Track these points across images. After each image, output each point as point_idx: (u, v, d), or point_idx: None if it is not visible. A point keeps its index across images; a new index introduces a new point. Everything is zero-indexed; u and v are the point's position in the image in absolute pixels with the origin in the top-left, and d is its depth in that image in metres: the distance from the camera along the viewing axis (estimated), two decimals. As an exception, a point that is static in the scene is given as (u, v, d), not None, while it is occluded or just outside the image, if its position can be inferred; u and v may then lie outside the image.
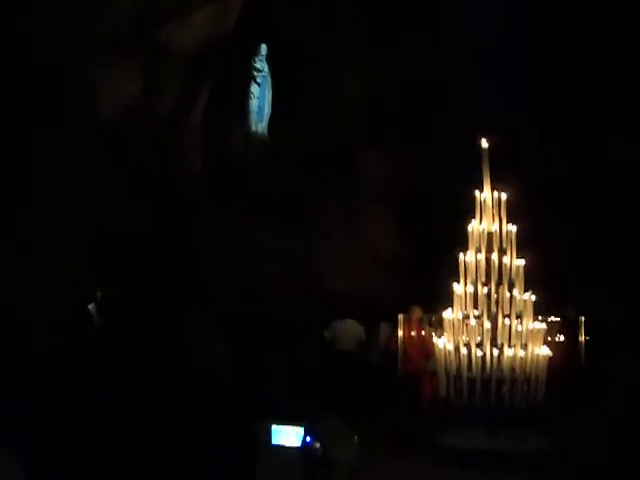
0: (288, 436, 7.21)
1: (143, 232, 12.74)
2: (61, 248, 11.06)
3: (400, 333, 12.49)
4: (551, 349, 10.58)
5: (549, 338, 11.55)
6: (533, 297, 10.39)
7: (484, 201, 10.63)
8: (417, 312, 12.75)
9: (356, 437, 7.12)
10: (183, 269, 13.32)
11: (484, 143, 10.63)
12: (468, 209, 10.85)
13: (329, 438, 6.79)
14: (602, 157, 14.18)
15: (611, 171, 14.07)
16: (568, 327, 12.55)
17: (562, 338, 12.63)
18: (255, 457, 7.40)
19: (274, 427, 7.30)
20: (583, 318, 12.49)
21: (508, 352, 9.89)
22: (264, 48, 16.22)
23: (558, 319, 12.68)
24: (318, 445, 6.75)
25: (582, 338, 12.50)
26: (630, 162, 13.84)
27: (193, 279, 13.45)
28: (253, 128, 16.00)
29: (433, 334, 11.89)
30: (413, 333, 12.61)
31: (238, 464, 7.48)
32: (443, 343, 10.35)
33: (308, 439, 6.80)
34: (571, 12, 14.28)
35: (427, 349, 12.30)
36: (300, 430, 6.98)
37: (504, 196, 10.61)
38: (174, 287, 13.13)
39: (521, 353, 9.93)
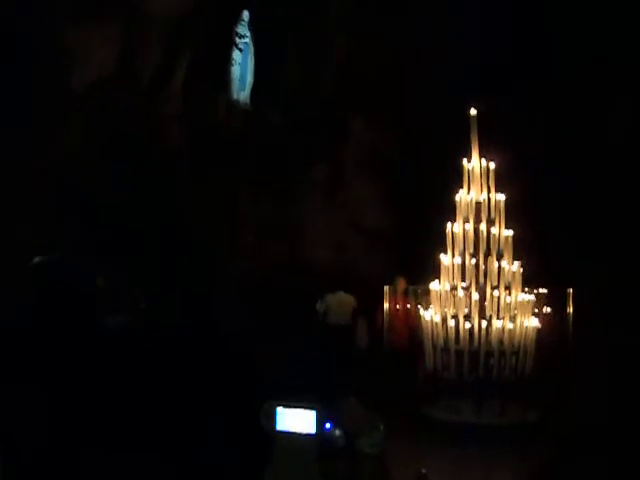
0: (297, 421, 5.90)
1: (121, 203, 12.39)
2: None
3: (386, 306, 12.28)
4: (539, 321, 10.41)
5: (536, 310, 11.38)
6: (521, 268, 10.17)
7: (472, 170, 10.38)
8: (402, 284, 12.57)
9: (383, 425, 6.36)
10: (163, 240, 12.99)
11: (473, 111, 10.36)
12: (455, 178, 10.62)
13: (352, 425, 6.03)
14: (592, 125, 13.97)
15: (601, 138, 13.87)
16: (556, 299, 12.36)
17: (549, 310, 12.47)
18: (256, 445, 6.23)
19: (279, 409, 5.94)
20: (571, 290, 12.32)
21: (497, 324, 9.69)
22: (246, 14, 15.77)
23: (546, 291, 12.49)
24: (339, 433, 5.95)
25: (570, 310, 12.34)
26: (621, 131, 13.63)
27: (174, 251, 13.14)
28: (235, 96, 15.58)
29: (419, 306, 11.75)
30: (398, 306, 12.42)
31: (238, 453, 6.54)
32: (430, 315, 10.14)
33: (328, 425, 5.84)
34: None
35: (412, 322, 12.16)
36: (312, 414, 5.82)
37: (492, 165, 10.36)
38: (154, 260, 12.85)
39: (509, 325, 9.73)
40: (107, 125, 11.96)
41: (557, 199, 13.80)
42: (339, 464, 5.88)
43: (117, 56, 12.04)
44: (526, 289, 10.52)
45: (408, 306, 12.38)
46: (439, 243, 10.46)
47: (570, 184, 13.95)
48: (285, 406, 5.92)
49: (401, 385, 11.14)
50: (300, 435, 5.82)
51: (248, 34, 15.78)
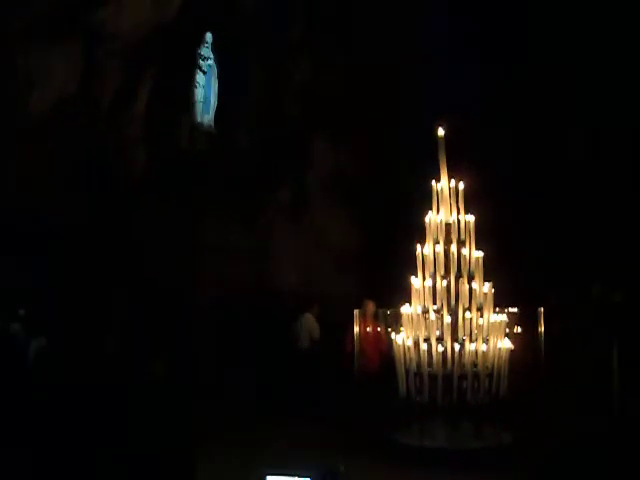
0: None
1: (80, 226, 12.06)
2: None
3: (356, 329, 12.09)
4: (511, 342, 10.30)
5: (507, 330, 11.27)
6: (492, 289, 10.06)
7: (441, 191, 10.26)
8: (371, 307, 12.40)
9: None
10: (125, 266, 12.69)
11: (440, 131, 10.26)
12: (423, 199, 10.52)
13: None
14: (560, 147, 14.00)
15: (569, 159, 13.91)
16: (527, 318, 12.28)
17: (520, 330, 12.38)
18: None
19: (269, 478, 5.55)
20: (542, 309, 12.24)
21: (470, 347, 9.55)
22: (209, 36, 15.60)
23: (515, 310, 12.40)
24: None
25: (541, 329, 12.25)
26: (588, 151, 13.68)
27: (137, 276, 12.84)
28: (199, 119, 15.38)
29: (389, 330, 11.60)
30: (368, 329, 12.25)
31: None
32: (402, 339, 9.97)
33: None
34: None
35: (383, 345, 12.02)
36: None
37: (461, 185, 10.26)
38: (115, 284, 12.55)
39: (483, 347, 9.60)
40: (67, 149, 11.64)
41: (525, 218, 13.77)
42: None
43: (77, 78, 11.73)
44: (497, 309, 10.43)
45: (378, 329, 12.20)
46: (408, 265, 10.32)
47: (538, 203, 13.95)
48: (275, 474, 5.53)
49: (373, 410, 10.99)
50: None
51: (211, 56, 15.62)
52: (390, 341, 10.66)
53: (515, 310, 12.18)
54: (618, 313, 12.11)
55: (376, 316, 12.30)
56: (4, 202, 11.02)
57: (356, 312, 12.19)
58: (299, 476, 5.44)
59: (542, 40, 14.20)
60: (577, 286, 12.72)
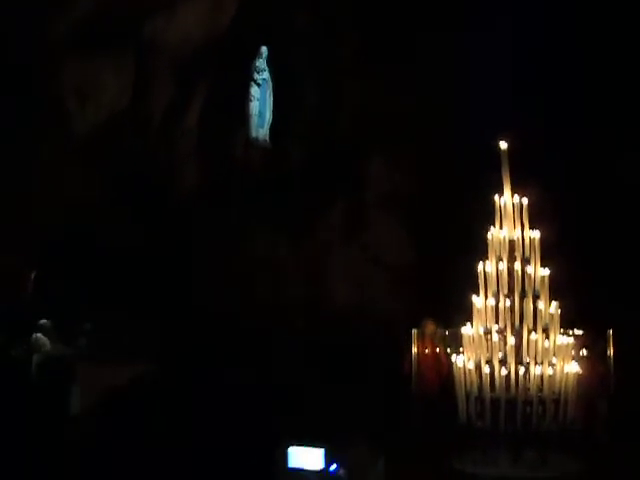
0: (307, 459, 6.67)
1: (135, 246, 11.87)
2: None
3: (414, 350, 11.67)
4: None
5: (573, 353, 10.72)
6: (559, 310, 9.54)
7: (504, 206, 9.80)
8: (430, 327, 11.98)
9: (382, 461, 6.94)
10: (180, 283, 12.47)
11: (503, 145, 9.82)
12: (483, 215, 10.08)
13: (356, 464, 6.57)
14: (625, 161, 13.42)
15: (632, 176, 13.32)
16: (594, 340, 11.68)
17: (585, 352, 11.79)
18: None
19: (291, 449, 6.74)
20: (611, 331, 11.64)
21: (535, 370, 9.04)
22: (265, 50, 15.42)
23: (581, 332, 11.82)
24: (343, 472, 6.50)
25: (610, 352, 11.65)
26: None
27: (192, 293, 12.61)
28: (254, 134, 15.17)
29: (448, 351, 11.15)
30: (427, 350, 11.81)
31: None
32: (462, 361, 9.49)
33: (334, 466, 6.49)
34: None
35: (442, 367, 11.58)
36: (320, 452, 6.59)
37: (525, 201, 9.79)
38: (172, 303, 12.34)
39: (549, 371, 9.08)
40: (118, 167, 11.45)
41: (592, 235, 13.18)
42: None
43: (129, 92, 11.54)
44: (561, 331, 9.90)
45: (437, 350, 11.76)
46: (467, 283, 9.87)
47: (605, 219, 13.36)
48: (296, 445, 6.73)
49: (432, 436, 10.53)
50: (309, 471, 6.61)
51: (266, 69, 15.42)
52: (450, 363, 10.22)
53: (581, 332, 11.62)
54: None
55: (435, 336, 11.85)
56: (54, 225, 10.87)
57: (414, 332, 11.78)
58: (315, 446, 6.58)
59: (605, 55, 13.69)
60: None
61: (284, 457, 6.76)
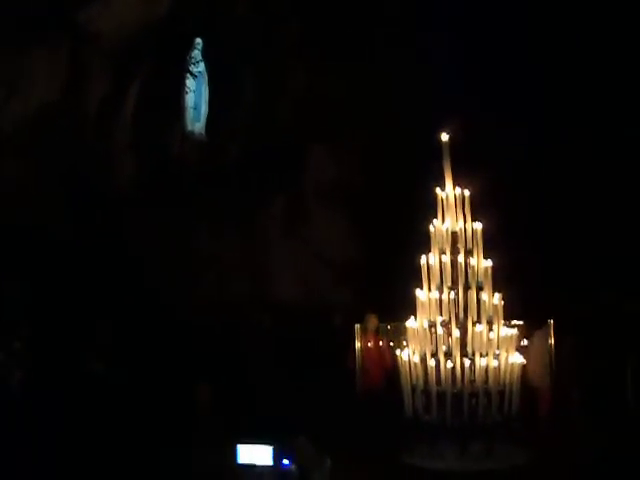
0: (256, 455, 7.15)
1: (70, 243, 11.47)
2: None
3: (357, 345, 11.55)
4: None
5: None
6: (502, 301, 9.52)
7: (446, 198, 9.73)
8: (373, 321, 11.85)
9: (329, 461, 7.26)
10: (116, 278, 12.10)
11: (444, 136, 9.73)
12: (425, 207, 10.01)
13: (305, 461, 6.97)
14: (569, 151, 13.51)
15: (579, 164, 13.42)
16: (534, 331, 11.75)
17: (526, 342, 11.86)
18: (220, 476, 7.32)
19: (240, 446, 7.20)
20: (552, 320, 11.72)
21: (480, 362, 9.00)
22: (200, 42, 15.09)
23: (521, 322, 11.87)
24: (294, 467, 6.90)
25: (552, 341, 11.73)
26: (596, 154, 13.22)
27: (127, 289, 12.24)
28: (189, 127, 14.84)
29: (391, 344, 11.08)
30: (370, 344, 11.71)
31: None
32: (407, 354, 9.40)
33: (286, 461, 6.92)
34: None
35: (385, 361, 11.49)
36: (269, 449, 7.04)
37: (467, 192, 9.73)
38: (105, 298, 11.98)
39: (494, 362, 9.05)
40: (50, 160, 11.03)
41: (534, 225, 13.26)
42: None
43: (62, 83, 11.11)
44: (503, 322, 9.89)
45: (380, 344, 11.67)
46: (412, 277, 9.77)
47: (547, 206, 13.46)
48: (245, 443, 7.19)
49: (379, 430, 10.44)
50: (258, 467, 7.07)
51: (202, 61, 15.10)
52: (394, 357, 10.14)
53: (521, 323, 11.67)
54: (631, 324, 11.68)
55: (378, 331, 11.76)
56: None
57: (357, 327, 11.66)
58: (263, 444, 7.03)
59: (546, 40, 13.76)
60: (588, 296, 12.23)
61: (233, 454, 7.15)
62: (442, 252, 9.55)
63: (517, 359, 9.36)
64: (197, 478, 7.52)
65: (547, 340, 11.80)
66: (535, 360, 11.47)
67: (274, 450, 7.02)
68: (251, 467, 7.09)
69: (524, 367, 11.20)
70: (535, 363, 11.44)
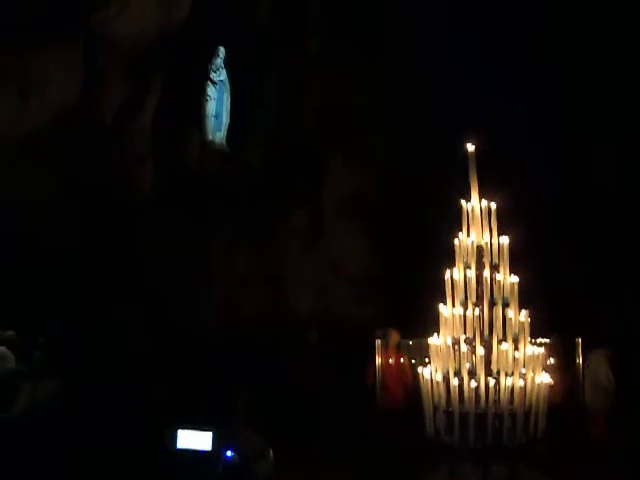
0: (196, 440, 7.21)
1: (85, 251, 11.24)
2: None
3: (378, 361, 11.23)
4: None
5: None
6: (529, 318, 9.15)
7: (472, 211, 9.39)
8: (395, 337, 11.57)
9: (271, 450, 7.26)
10: (131, 291, 11.86)
11: (470, 147, 9.42)
12: (450, 220, 9.69)
13: (248, 450, 6.95)
14: (594, 167, 13.16)
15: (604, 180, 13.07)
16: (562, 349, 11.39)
17: (553, 361, 11.47)
18: (159, 460, 7.34)
19: (180, 431, 7.25)
20: (580, 339, 11.34)
21: (506, 382, 8.63)
22: (222, 51, 14.89)
23: (547, 340, 11.50)
24: (236, 456, 6.89)
25: (579, 360, 11.34)
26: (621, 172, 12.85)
27: (143, 302, 12.01)
28: (210, 137, 14.60)
29: (413, 362, 10.76)
30: (391, 361, 11.39)
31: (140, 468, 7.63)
32: (430, 373, 9.05)
33: (229, 453, 6.92)
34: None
35: (406, 378, 11.18)
36: (208, 435, 7.08)
37: (494, 205, 9.39)
38: (122, 309, 11.75)
39: (520, 383, 8.68)
40: (66, 168, 10.81)
41: (561, 241, 12.89)
42: None
43: (77, 88, 10.90)
44: (531, 340, 9.53)
45: (402, 360, 11.35)
46: (436, 292, 9.44)
47: (576, 223, 13.08)
48: (185, 428, 7.22)
49: (396, 450, 10.10)
50: (198, 451, 7.08)
51: (224, 72, 14.89)
52: (414, 374, 9.80)
53: (547, 340, 11.29)
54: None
55: (399, 347, 11.45)
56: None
57: (378, 342, 11.34)
58: (204, 430, 7.05)
59: (576, 55, 13.44)
60: (617, 314, 11.84)
61: (172, 438, 7.20)
62: (467, 267, 9.20)
63: (544, 379, 9.01)
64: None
65: (605, 361, 11.39)
66: (591, 382, 11.13)
67: (214, 436, 7.05)
68: (190, 452, 7.12)
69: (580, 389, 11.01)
70: (591, 385, 11.11)
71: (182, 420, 7.42)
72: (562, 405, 10.46)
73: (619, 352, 11.16)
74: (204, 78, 14.43)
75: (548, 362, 11.15)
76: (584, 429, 10.65)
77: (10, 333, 10.30)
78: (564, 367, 11.23)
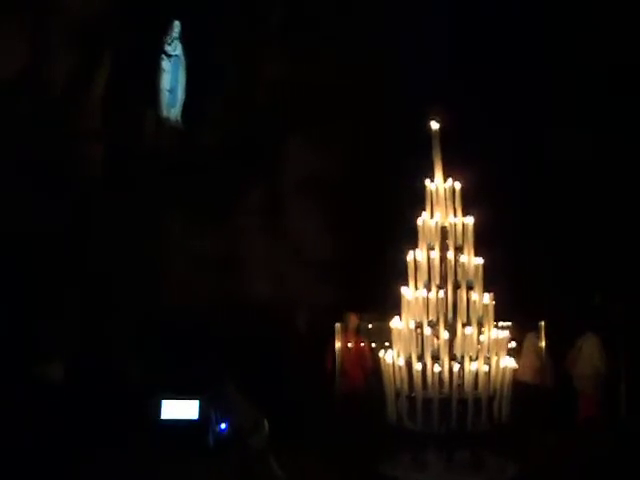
0: (181, 410, 7.12)
1: (32, 231, 10.76)
2: None
3: (337, 345, 10.96)
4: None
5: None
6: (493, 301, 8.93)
7: (436, 191, 9.13)
8: (354, 320, 11.33)
9: (266, 421, 7.21)
10: (80, 272, 11.41)
11: (434, 125, 9.14)
12: (410, 201, 9.43)
13: (243, 423, 6.92)
14: (564, 143, 12.98)
15: (574, 156, 12.91)
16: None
17: (514, 344, 11.30)
18: (144, 431, 7.20)
19: (164, 402, 7.20)
20: (543, 323, 11.19)
21: (470, 366, 8.40)
22: (177, 24, 14.37)
23: (509, 323, 11.31)
24: (230, 429, 6.90)
25: (542, 344, 11.20)
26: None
27: (93, 284, 11.55)
28: (165, 113, 14.11)
29: (373, 345, 10.52)
30: (350, 345, 11.13)
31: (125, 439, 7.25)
32: (392, 357, 8.78)
33: (223, 426, 6.85)
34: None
35: (366, 363, 10.94)
36: (195, 403, 7.06)
37: (458, 185, 9.13)
38: (70, 291, 11.32)
39: (485, 367, 8.46)
40: (9, 144, 10.30)
41: (528, 222, 12.71)
42: (232, 458, 6.69)
43: (22, 60, 10.39)
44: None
45: (362, 345, 11.09)
46: (398, 274, 9.15)
47: (543, 202, 12.91)
48: (170, 398, 7.20)
49: (356, 437, 9.85)
50: (184, 421, 7.05)
51: (179, 45, 14.38)
52: (375, 358, 9.55)
53: (508, 324, 11.09)
54: (620, 325, 11.24)
55: (358, 330, 11.18)
56: None
57: (337, 326, 11.07)
58: (189, 398, 7.01)
59: (540, 31, 13.24)
60: (578, 296, 11.73)
61: (157, 409, 7.20)
62: (430, 248, 8.98)
63: (509, 363, 8.80)
64: None
65: (598, 344, 11.30)
66: (584, 363, 11.05)
67: (201, 404, 7.07)
68: (176, 422, 7.08)
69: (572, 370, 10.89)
70: (584, 367, 11.03)
71: (167, 390, 7.40)
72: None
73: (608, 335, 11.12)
74: (159, 51, 13.92)
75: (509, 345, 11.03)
76: (571, 412, 10.53)
77: None
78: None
